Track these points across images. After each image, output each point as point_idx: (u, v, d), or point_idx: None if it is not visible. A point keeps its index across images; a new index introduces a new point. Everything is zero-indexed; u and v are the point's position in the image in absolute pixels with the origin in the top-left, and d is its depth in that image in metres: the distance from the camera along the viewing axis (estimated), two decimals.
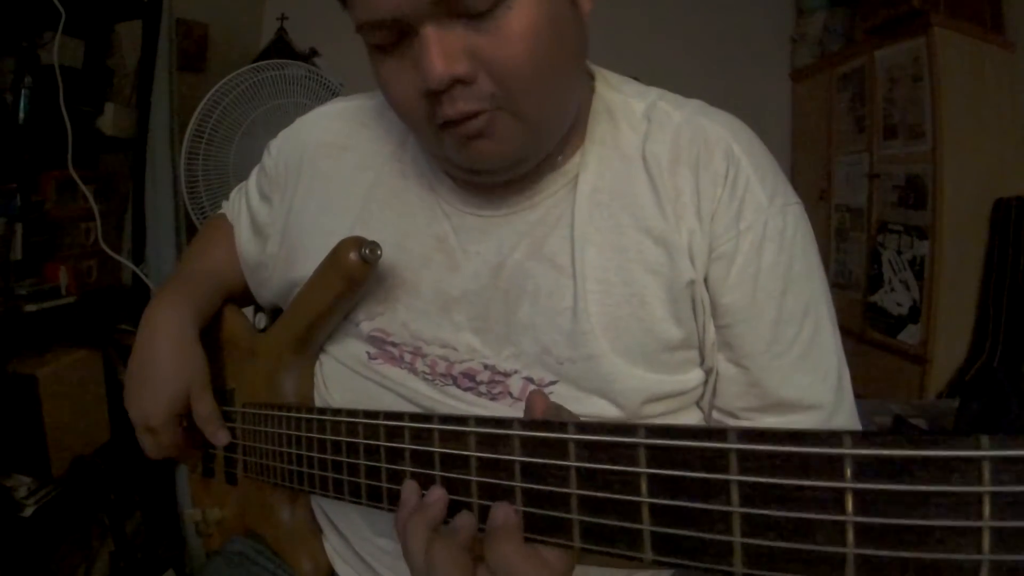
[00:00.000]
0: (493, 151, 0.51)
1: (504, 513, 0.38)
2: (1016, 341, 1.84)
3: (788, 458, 0.27)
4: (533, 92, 0.48)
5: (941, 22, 1.92)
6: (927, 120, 1.93)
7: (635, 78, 0.63)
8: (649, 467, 0.32)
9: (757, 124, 0.59)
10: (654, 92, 0.60)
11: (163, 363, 0.63)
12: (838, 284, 2.37)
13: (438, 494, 0.42)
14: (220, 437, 0.66)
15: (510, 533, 0.37)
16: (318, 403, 0.64)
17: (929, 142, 1.93)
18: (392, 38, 0.48)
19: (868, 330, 2.19)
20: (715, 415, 0.59)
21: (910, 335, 2.00)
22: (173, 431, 0.65)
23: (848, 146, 2.35)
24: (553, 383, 0.54)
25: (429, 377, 0.57)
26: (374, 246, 0.55)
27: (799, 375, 0.55)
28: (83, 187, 1.48)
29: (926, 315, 1.94)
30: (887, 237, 2.11)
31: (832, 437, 0.26)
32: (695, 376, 0.56)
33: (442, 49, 0.46)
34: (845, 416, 0.57)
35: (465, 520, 0.40)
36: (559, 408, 0.42)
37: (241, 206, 0.74)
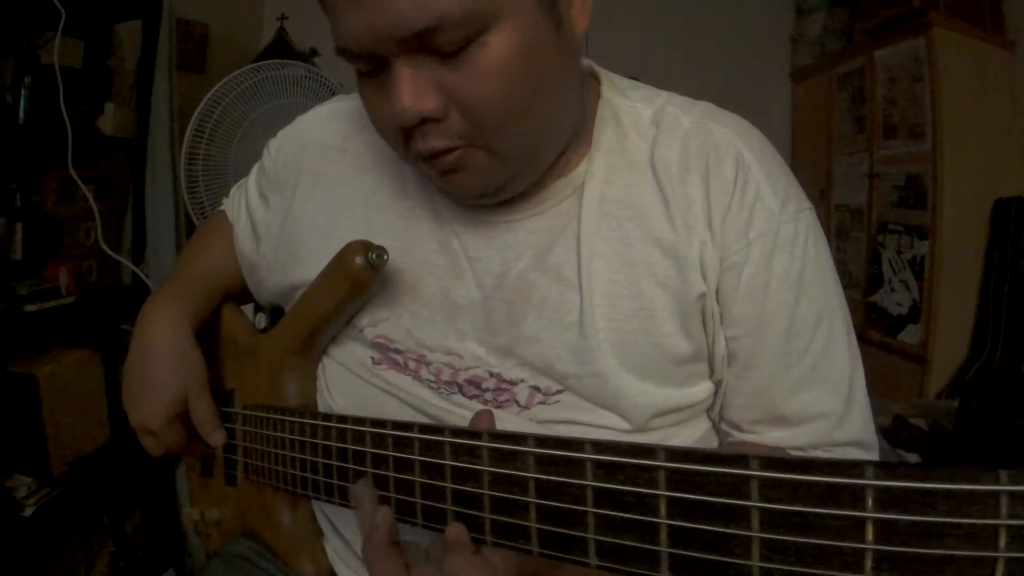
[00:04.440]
0: (468, 184, 0.50)
1: (456, 531, 0.41)
2: (1016, 341, 1.84)
3: (810, 487, 0.28)
4: (507, 130, 0.47)
5: (941, 22, 1.92)
6: (927, 120, 1.93)
7: (635, 78, 0.62)
8: (668, 490, 0.32)
9: (757, 124, 0.58)
10: (662, 96, 0.58)
11: (160, 365, 0.63)
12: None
13: (384, 511, 0.44)
14: (216, 438, 0.65)
15: (460, 547, 0.40)
16: (320, 407, 0.63)
17: (929, 142, 1.93)
18: (369, 66, 0.47)
19: (868, 330, 2.19)
20: (723, 427, 0.59)
21: (910, 335, 2.01)
22: (175, 431, 0.65)
23: (848, 146, 2.35)
24: (560, 392, 0.53)
25: (434, 385, 0.56)
26: (381, 251, 0.54)
27: (808, 387, 0.54)
28: (83, 187, 1.48)
29: (926, 315, 1.94)
30: (887, 237, 2.11)
31: (854, 467, 0.27)
32: (704, 388, 0.56)
33: (412, 86, 0.44)
34: (854, 427, 0.56)
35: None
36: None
37: (240, 204, 0.74)
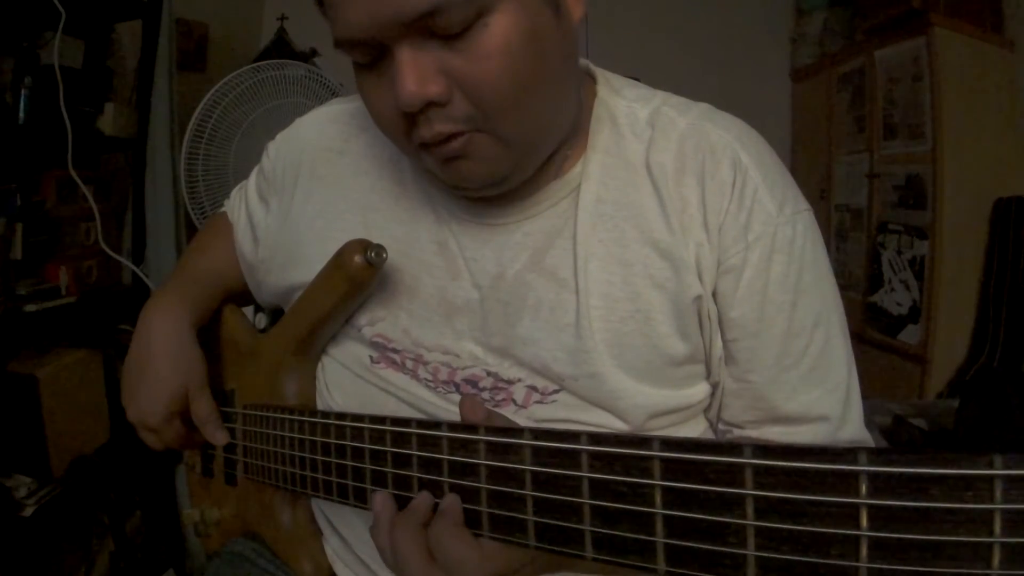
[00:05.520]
0: (474, 171, 0.50)
1: (449, 500, 0.41)
2: (1016, 341, 1.84)
3: (804, 473, 0.28)
4: (511, 112, 0.47)
5: (941, 22, 1.92)
6: (927, 120, 1.93)
7: (635, 78, 0.62)
8: (664, 479, 0.32)
9: (757, 124, 0.58)
10: (658, 96, 0.58)
11: (159, 363, 0.63)
12: (838, 284, 2.37)
13: (424, 496, 0.43)
14: (219, 437, 0.66)
15: (447, 518, 0.41)
16: (320, 406, 0.63)
17: (929, 142, 1.93)
18: (369, 56, 0.47)
19: (868, 330, 2.19)
20: (721, 427, 0.59)
21: (910, 335, 2.01)
22: (173, 428, 0.65)
23: (848, 146, 2.35)
24: (557, 391, 0.53)
25: (432, 384, 0.56)
26: (380, 249, 0.54)
27: (807, 388, 0.54)
28: (83, 187, 1.48)
29: (926, 315, 1.94)
30: (887, 237, 2.11)
31: (848, 453, 0.27)
32: (701, 389, 0.56)
33: (415, 70, 0.44)
34: (853, 427, 0.56)
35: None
36: (491, 414, 0.44)
37: (240, 206, 0.74)
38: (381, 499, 0.45)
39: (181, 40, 1.96)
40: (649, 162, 0.54)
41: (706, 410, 0.58)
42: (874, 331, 2.16)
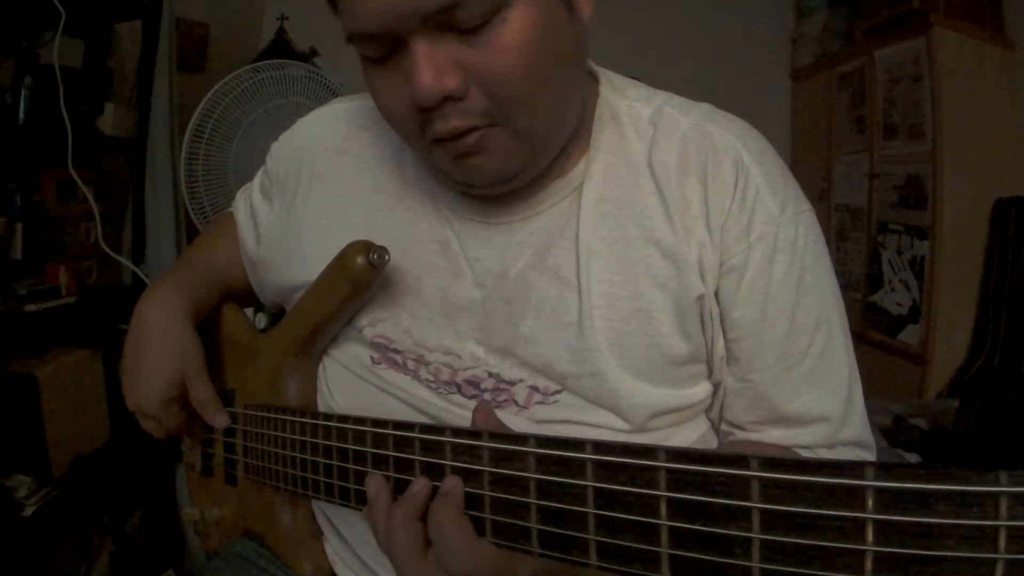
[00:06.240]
0: (487, 167, 0.50)
1: (451, 483, 0.41)
2: (1016, 341, 1.84)
3: (810, 487, 0.28)
4: (528, 106, 0.47)
5: (941, 22, 1.92)
6: (927, 120, 1.94)
7: (636, 78, 0.62)
8: (669, 490, 0.32)
9: (757, 124, 0.58)
10: (660, 96, 0.58)
11: (155, 349, 0.63)
12: (838, 284, 2.38)
13: (422, 483, 0.42)
14: (219, 420, 0.66)
15: (450, 501, 0.40)
16: (321, 407, 0.63)
17: (929, 142, 1.93)
18: (383, 50, 0.46)
19: (868, 330, 2.19)
20: (723, 427, 0.59)
21: (910, 335, 2.01)
22: (171, 414, 0.65)
23: (848, 146, 2.36)
24: (558, 392, 0.53)
25: (433, 384, 0.56)
26: (382, 251, 0.54)
27: (808, 388, 0.54)
28: (83, 187, 1.48)
29: (926, 315, 1.94)
30: (887, 237, 2.12)
31: (854, 468, 0.27)
32: (703, 389, 0.56)
33: (432, 64, 0.44)
34: (854, 427, 0.56)
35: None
36: (500, 425, 0.44)
37: (245, 204, 0.74)
38: (376, 484, 0.45)
39: (181, 40, 1.96)
40: (651, 161, 0.54)
41: (708, 410, 0.59)
42: (874, 331, 2.17)
